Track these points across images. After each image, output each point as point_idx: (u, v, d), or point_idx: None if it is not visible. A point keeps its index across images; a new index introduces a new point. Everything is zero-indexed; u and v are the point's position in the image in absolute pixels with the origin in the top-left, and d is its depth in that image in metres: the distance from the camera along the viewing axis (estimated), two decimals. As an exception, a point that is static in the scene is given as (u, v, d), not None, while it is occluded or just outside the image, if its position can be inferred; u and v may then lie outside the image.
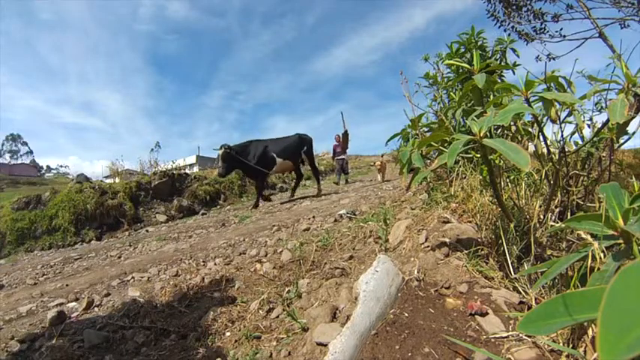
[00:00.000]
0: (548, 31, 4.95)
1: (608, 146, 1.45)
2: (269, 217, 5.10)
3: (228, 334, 1.51)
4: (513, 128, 1.80)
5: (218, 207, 8.13)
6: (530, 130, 1.68)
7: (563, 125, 1.31)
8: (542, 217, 1.35)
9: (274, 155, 6.97)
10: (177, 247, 3.80)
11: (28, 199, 6.64)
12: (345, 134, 10.18)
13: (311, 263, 2.06)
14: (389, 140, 1.96)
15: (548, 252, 1.27)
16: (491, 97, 1.51)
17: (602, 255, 0.78)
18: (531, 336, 0.91)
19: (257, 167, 6.65)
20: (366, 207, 3.91)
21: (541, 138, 1.34)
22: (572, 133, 1.54)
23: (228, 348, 1.38)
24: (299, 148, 7.38)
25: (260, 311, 1.63)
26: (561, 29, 4.89)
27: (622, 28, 4.63)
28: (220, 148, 6.41)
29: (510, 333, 0.97)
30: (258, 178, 7.00)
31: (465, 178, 2.00)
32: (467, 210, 1.79)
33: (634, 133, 1.25)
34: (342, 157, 10.53)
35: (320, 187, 7.73)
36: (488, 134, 1.04)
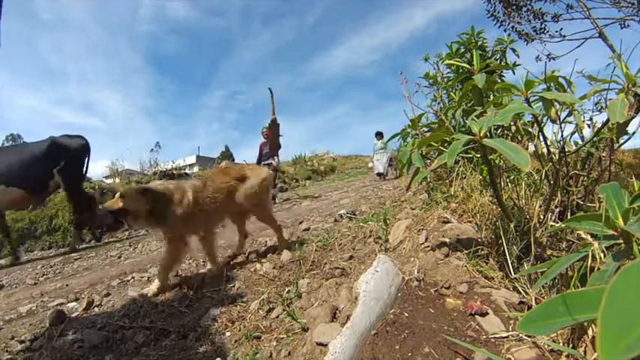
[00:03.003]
0: (548, 31, 4.96)
1: (608, 146, 1.45)
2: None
3: (228, 334, 1.51)
4: (513, 128, 1.80)
5: (218, 207, 8.12)
6: (530, 130, 1.68)
7: (563, 125, 1.31)
8: (542, 217, 1.35)
9: None
10: (177, 247, 3.79)
11: (28, 199, 6.64)
12: (274, 124, 6.51)
13: (311, 263, 2.06)
14: (389, 140, 1.96)
15: (548, 252, 1.27)
16: (491, 97, 1.51)
17: (602, 255, 0.78)
18: (531, 336, 0.91)
19: None
20: (366, 207, 3.91)
21: (541, 138, 1.34)
22: (572, 133, 1.55)
23: (228, 348, 1.38)
24: (47, 164, 4.31)
25: (260, 311, 1.63)
26: (561, 29, 4.89)
27: (622, 28, 4.64)
28: None
29: (510, 333, 0.97)
30: None
31: (465, 178, 2.00)
32: (467, 210, 1.79)
33: (634, 133, 1.25)
34: (270, 161, 6.74)
35: (76, 242, 4.74)
36: (488, 134, 1.04)
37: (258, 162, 7.01)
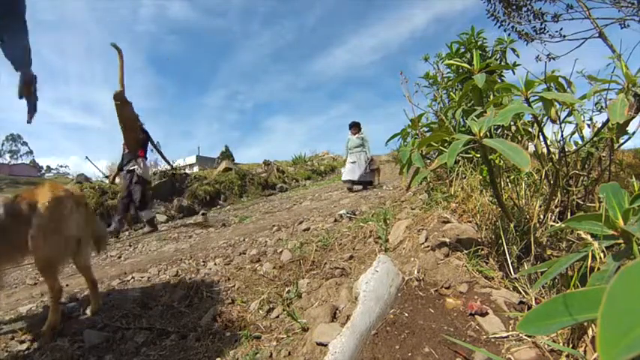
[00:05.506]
0: (548, 31, 4.95)
1: (608, 146, 1.45)
2: (269, 217, 5.10)
3: (228, 334, 1.51)
4: (513, 128, 1.80)
5: (218, 207, 8.13)
6: (530, 130, 1.68)
7: (563, 125, 1.31)
8: (542, 217, 1.35)
9: None
10: (177, 247, 3.80)
11: (28, 199, 6.63)
12: (122, 102, 3.95)
13: (311, 263, 2.06)
14: (389, 140, 1.96)
15: (548, 252, 1.27)
16: (491, 97, 1.51)
17: (602, 255, 0.78)
18: (531, 336, 0.91)
19: None
20: (366, 207, 3.91)
21: (541, 138, 1.34)
22: (572, 133, 1.55)
23: (228, 348, 1.38)
24: None
25: (260, 311, 1.63)
26: (561, 29, 4.89)
27: (622, 28, 4.63)
28: None
29: (510, 333, 0.97)
30: None
31: (465, 178, 2.00)
32: (467, 210, 1.79)
33: (634, 133, 1.26)
34: (132, 166, 4.73)
35: None
36: (488, 134, 1.04)
37: (120, 168, 5.03)
